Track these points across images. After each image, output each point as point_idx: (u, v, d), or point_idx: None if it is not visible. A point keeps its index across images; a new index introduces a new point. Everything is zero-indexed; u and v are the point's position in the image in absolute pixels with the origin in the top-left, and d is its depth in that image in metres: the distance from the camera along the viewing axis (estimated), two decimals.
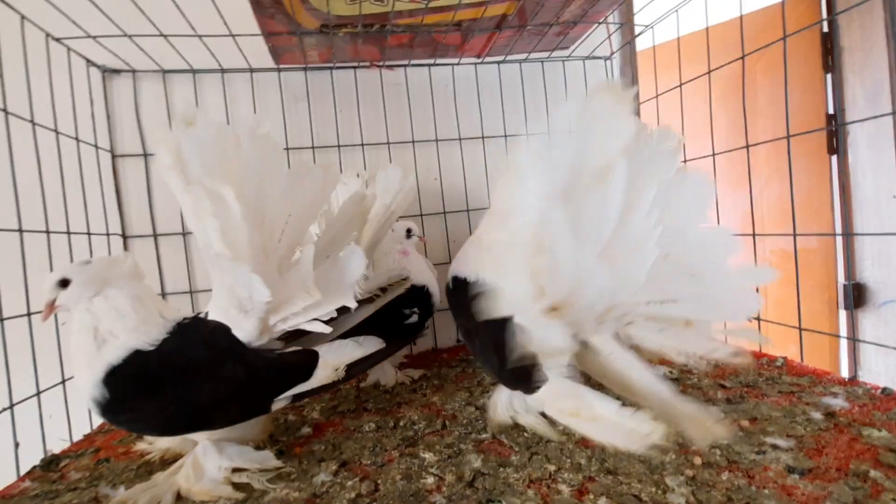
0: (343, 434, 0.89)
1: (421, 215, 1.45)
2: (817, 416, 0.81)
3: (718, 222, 1.28)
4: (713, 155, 1.27)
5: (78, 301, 0.71)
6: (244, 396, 0.75)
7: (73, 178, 1.13)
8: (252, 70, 1.34)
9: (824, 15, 2.00)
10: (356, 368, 0.84)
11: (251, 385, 0.75)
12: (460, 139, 1.48)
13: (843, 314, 2.01)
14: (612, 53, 1.56)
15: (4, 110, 0.92)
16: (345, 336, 0.87)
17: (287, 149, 1.37)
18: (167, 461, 0.82)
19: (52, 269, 0.98)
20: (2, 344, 0.88)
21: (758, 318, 1.17)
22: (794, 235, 1.10)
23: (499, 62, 1.48)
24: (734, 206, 1.68)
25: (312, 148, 1.39)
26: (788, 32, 1.06)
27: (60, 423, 0.99)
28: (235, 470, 0.74)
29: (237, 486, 0.72)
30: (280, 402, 0.78)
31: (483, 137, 1.49)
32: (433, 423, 0.91)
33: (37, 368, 0.94)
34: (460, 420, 0.91)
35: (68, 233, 1.07)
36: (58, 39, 1.09)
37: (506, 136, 1.50)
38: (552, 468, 0.71)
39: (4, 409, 0.84)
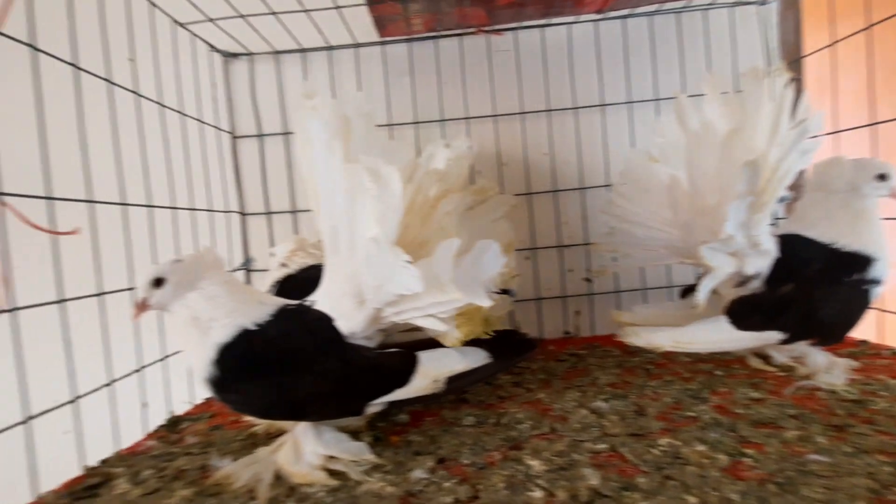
0: (440, 426, 0.83)
1: (529, 193, 1.33)
2: None
3: None
4: None
5: (173, 299, 0.69)
6: (339, 394, 0.73)
7: (197, 159, 1.19)
8: (357, 45, 1.31)
9: None
10: (458, 382, 0.77)
11: (348, 384, 0.73)
12: (576, 108, 1.32)
13: None
14: None
15: (136, 93, 0.98)
16: None
17: (391, 125, 1.33)
18: (272, 434, 0.83)
19: (177, 244, 1.07)
20: None
21: None
22: None
23: (623, 17, 1.30)
24: None
25: (415, 123, 1.34)
26: None
27: (180, 389, 1.07)
28: (331, 457, 0.71)
29: (333, 474, 0.69)
30: (374, 407, 0.75)
31: (603, 105, 1.32)
32: (540, 424, 0.81)
33: (164, 334, 1.01)
34: (571, 424, 0.80)
35: (192, 209, 1.14)
36: (182, 25, 1.15)
37: (630, 102, 1.32)
38: (694, 501, 0.58)
39: (134, 372, 0.91)
